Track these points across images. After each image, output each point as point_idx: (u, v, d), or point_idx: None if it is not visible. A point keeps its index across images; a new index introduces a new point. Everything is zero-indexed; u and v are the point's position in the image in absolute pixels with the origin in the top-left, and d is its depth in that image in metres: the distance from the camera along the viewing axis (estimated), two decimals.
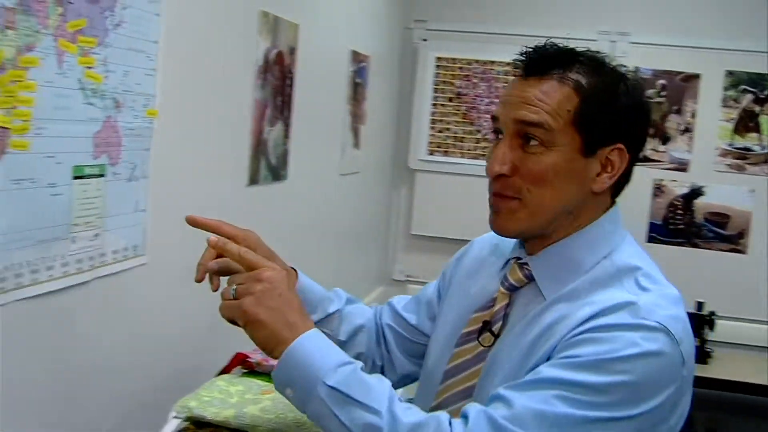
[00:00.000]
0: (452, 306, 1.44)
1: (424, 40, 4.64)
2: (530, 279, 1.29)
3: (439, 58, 4.61)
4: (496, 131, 1.30)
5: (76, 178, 1.57)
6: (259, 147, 2.52)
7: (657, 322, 1.15)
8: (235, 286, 1.20)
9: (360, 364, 1.19)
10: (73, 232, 1.59)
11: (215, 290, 1.33)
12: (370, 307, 1.62)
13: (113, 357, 1.81)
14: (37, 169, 1.46)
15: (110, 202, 1.69)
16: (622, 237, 1.30)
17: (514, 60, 1.29)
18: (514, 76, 1.30)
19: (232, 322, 1.21)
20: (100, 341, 1.75)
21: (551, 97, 1.22)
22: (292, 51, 2.73)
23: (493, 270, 1.39)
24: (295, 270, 1.46)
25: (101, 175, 1.65)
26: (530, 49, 1.27)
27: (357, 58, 3.62)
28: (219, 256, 1.33)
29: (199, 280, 1.33)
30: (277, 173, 2.74)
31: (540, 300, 1.26)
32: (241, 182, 2.46)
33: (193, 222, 1.37)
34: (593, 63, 1.27)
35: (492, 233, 1.38)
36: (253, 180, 2.52)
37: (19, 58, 1.37)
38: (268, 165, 2.62)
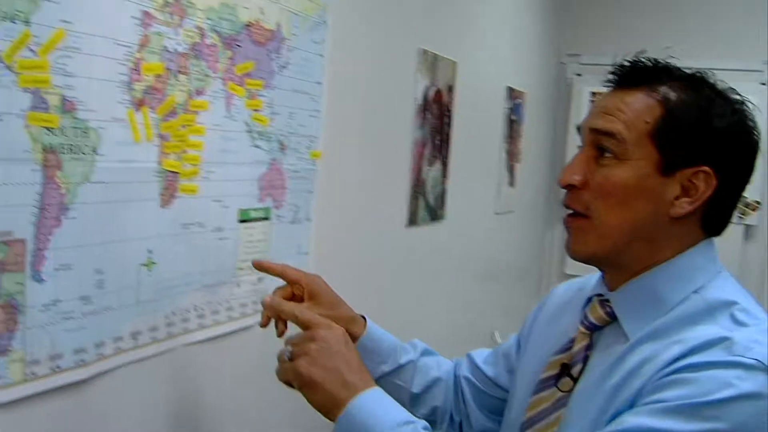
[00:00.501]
0: (533, 354, 1.32)
1: (578, 74, 4.51)
2: (612, 317, 1.16)
3: (593, 93, 4.45)
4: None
5: (242, 221, 1.54)
6: (418, 187, 2.46)
7: (756, 359, 1.00)
8: (290, 347, 1.14)
9: (423, 423, 1.09)
10: (238, 276, 1.56)
11: (280, 335, 1.27)
12: (451, 359, 1.51)
13: (275, 400, 1.77)
14: (205, 213, 1.44)
15: (274, 246, 1.66)
16: (716, 272, 1.15)
17: (608, 72, 1.19)
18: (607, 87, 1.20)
19: (289, 384, 1.14)
20: (260, 385, 1.71)
21: (631, 108, 1.12)
22: (450, 89, 2.66)
23: (575, 311, 1.26)
24: (364, 318, 1.39)
25: (266, 218, 1.62)
26: (625, 62, 1.17)
27: (513, 94, 3.53)
28: (291, 298, 1.31)
29: (262, 325, 1.30)
30: (435, 213, 2.67)
31: (623, 340, 1.13)
32: (400, 223, 2.40)
33: (259, 267, 1.35)
34: (690, 80, 1.16)
35: (574, 281, 1.32)
36: (412, 221, 2.46)
37: (190, 102, 1.35)
38: (426, 205, 2.56)
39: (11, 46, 1.03)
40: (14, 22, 1.03)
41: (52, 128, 1.10)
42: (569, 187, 1.16)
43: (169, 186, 1.34)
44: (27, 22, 1.05)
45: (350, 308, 1.37)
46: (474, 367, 1.46)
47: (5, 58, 1.03)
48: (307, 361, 1.10)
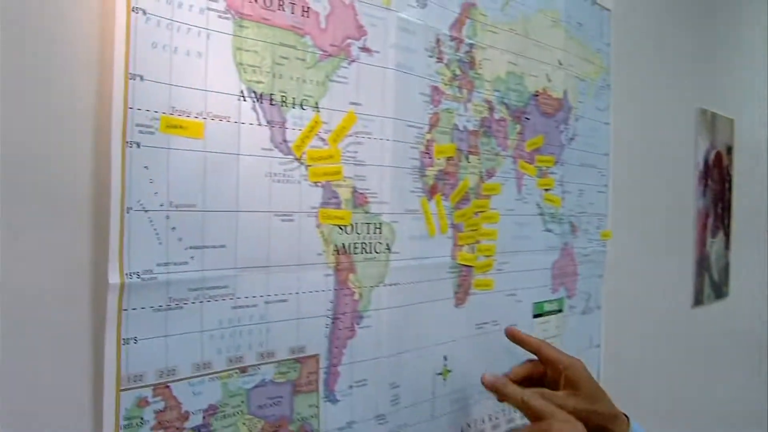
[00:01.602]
0: None
1: None
2: None
3: None
4: None
5: (536, 316, 1.32)
6: (702, 262, 2.14)
7: None
8: None
9: None
10: None
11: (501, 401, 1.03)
12: None
13: None
14: (499, 309, 1.22)
15: (566, 341, 1.41)
16: None
17: None
18: None
19: None
20: None
21: None
22: (729, 150, 2.33)
23: None
24: (627, 417, 1.10)
25: (559, 311, 1.38)
26: None
27: None
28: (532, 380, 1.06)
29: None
30: (720, 290, 2.31)
31: None
32: (685, 303, 2.08)
33: (512, 336, 1.10)
34: None
35: None
36: (698, 300, 2.13)
37: (482, 185, 1.16)
38: (711, 282, 2.22)
39: (301, 135, 0.88)
40: (303, 108, 0.88)
41: (344, 225, 0.94)
42: None
43: (463, 282, 1.14)
44: (316, 107, 0.90)
45: (612, 404, 1.10)
46: None
47: (295, 150, 0.87)
48: None
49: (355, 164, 0.94)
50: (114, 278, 0.71)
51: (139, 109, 0.72)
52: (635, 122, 1.72)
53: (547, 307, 1.34)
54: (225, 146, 0.80)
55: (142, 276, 0.73)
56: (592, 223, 1.47)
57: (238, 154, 0.82)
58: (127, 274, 0.72)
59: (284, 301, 0.87)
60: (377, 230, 0.98)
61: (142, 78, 0.73)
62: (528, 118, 1.26)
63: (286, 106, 0.86)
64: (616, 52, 1.55)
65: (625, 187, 1.65)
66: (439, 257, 1.09)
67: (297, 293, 0.89)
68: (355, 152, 0.94)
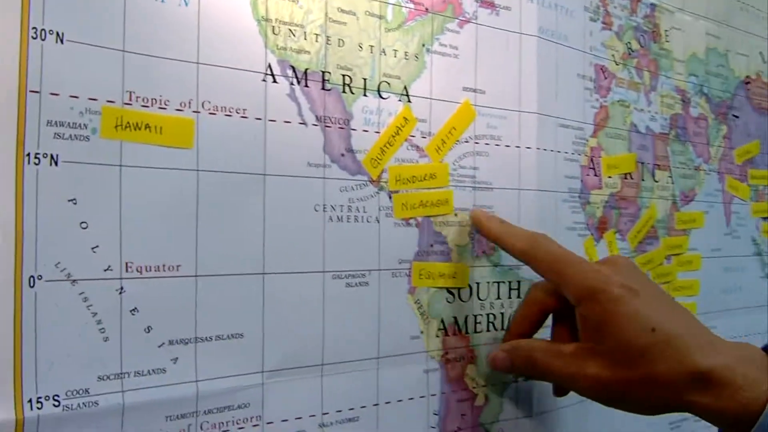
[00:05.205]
0: None
1: None
2: None
3: None
4: None
5: None
6: None
7: None
8: None
9: None
10: None
11: None
12: None
13: None
14: None
15: None
16: None
17: None
18: None
19: None
20: None
21: None
22: None
23: None
24: None
25: None
26: None
27: None
28: None
29: None
30: None
31: None
32: None
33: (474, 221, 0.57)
34: None
35: None
36: None
37: (675, 215, 0.76)
38: None
39: (379, 141, 0.52)
40: (382, 96, 0.52)
41: (457, 289, 0.57)
42: None
43: None
44: (405, 95, 0.53)
45: (695, 355, 0.47)
46: None
47: (368, 166, 0.51)
48: None
49: (474, 188, 0.57)
50: (2, 412, 0.37)
51: (54, 95, 0.38)
52: None
53: None
54: (238, 161, 0.45)
55: (65, 402, 0.39)
56: None
57: (264, 174, 0.46)
58: (31, 402, 0.38)
59: (353, 419, 0.51)
60: (513, 293, 0.60)
61: (60, 37, 0.39)
62: (737, 116, 0.85)
63: (352, 93, 0.50)
64: None
65: None
66: None
67: (376, 405, 0.52)
68: (475, 168, 0.57)
